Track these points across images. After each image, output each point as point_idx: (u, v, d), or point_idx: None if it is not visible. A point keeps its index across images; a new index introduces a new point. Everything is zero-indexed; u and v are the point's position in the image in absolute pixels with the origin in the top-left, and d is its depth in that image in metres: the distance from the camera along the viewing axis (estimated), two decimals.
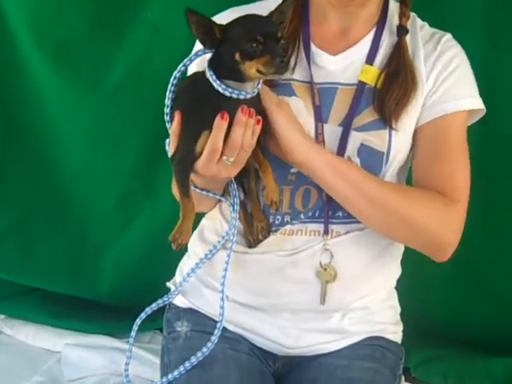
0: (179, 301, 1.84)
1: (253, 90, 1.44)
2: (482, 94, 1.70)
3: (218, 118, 1.39)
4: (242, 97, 1.42)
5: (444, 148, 1.65)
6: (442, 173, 1.64)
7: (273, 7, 1.58)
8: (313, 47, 1.70)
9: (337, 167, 1.55)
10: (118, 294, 2.60)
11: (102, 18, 2.38)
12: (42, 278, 2.64)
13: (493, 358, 2.27)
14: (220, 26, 1.40)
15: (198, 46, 1.76)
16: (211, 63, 1.44)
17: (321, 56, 1.69)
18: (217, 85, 1.41)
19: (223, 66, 1.41)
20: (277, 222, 1.67)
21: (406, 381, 2.17)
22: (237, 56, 1.37)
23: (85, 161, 2.55)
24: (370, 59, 1.68)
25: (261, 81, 1.46)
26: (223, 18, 1.65)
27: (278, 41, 1.38)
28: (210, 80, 1.42)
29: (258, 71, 1.36)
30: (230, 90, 1.41)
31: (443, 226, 1.62)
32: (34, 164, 2.58)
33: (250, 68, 1.36)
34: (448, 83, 1.65)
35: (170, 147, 1.49)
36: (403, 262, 1.84)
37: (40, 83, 2.48)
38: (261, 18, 1.44)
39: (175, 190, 1.75)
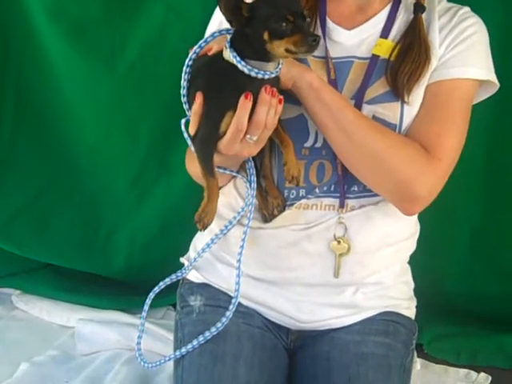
0: (193, 276, 1.85)
1: (276, 70, 1.43)
2: (498, 70, 1.69)
3: (242, 98, 1.39)
4: (266, 77, 1.41)
5: (440, 109, 1.63)
6: (432, 131, 1.61)
7: None
8: (329, 23, 1.70)
9: (319, 90, 1.54)
10: (131, 271, 2.62)
11: None
12: (57, 254, 2.66)
13: (505, 334, 2.27)
14: (248, 4, 1.39)
15: (213, 23, 1.77)
16: (232, 43, 1.42)
17: (337, 31, 1.69)
18: (241, 66, 1.39)
19: (248, 46, 1.40)
20: (292, 197, 1.67)
21: (418, 357, 2.18)
22: (265, 35, 1.36)
23: (100, 138, 2.56)
24: (384, 33, 1.67)
25: (282, 60, 1.45)
26: None
27: (305, 19, 1.37)
28: (234, 61, 1.40)
29: (287, 50, 1.35)
30: (255, 70, 1.40)
31: (415, 175, 1.57)
32: (49, 141, 2.60)
33: (279, 47, 1.35)
34: (458, 49, 1.64)
35: (191, 128, 1.49)
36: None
37: (55, 61, 2.49)
38: None
39: (190, 168, 1.77)
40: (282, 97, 1.44)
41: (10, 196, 2.63)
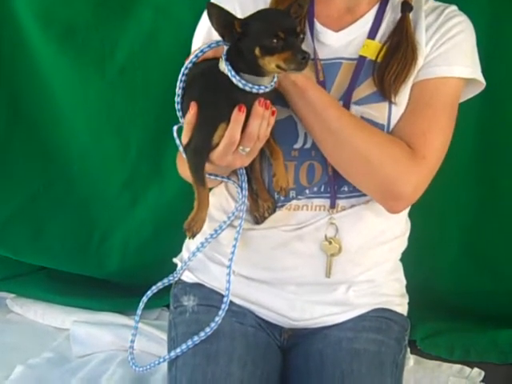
0: (186, 276, 1.86)
1: (270, 84, 1.45)
2: (485, 69, 1.70)
3: (235, 110, 1.41)
4: (261, 91, 1.43)
5: (426, 107, 1.63)
6: (416, 128, 1.62)
7: None
8: (317, 25, 1.70)
9: (303, 89, 1.56)
10: (125, 273, 2.62)
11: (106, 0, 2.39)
12: (51, 257, 2.65)
13: (498, 330, 2.27)
14: (240, 20, 1.41)
15: (201, 28, 1.78)
16: (228, 56, 1.44)
17: (325, 33, 1.70)
18: (236, 80, 1.41)
19: (242, 60, 1.41)
20: (282, 198, 1.68)
21: (411, 353, 2.19)
22: (257, 51, 1.37)
23: (91, 142, 2.55)
24: (371, 34, 1.68)
25: (276, 74, 1.47)
26: None
27: (298, 36, 1.39)
28: (229, 75, 1.42)
29: (278, 66, 1.37)
30: (249, 85, 1.41)
31: (399, 173, 1.58)
32: (41, 146, 2.59)
33: (270, 63, 1.37)
34: (443, 48, 1.65)
35: (183, 137, 1.51)
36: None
37: (45, 65, 2.48)
38: (281, 13, 1.46)
39: (181, 171, 1.78)
40: (274, 109, 1.46)
41: (3, 201, 2.62)
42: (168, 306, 1.96)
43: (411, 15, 1.68)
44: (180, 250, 1.96)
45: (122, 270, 2.63)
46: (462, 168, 2.28)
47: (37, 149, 2.60)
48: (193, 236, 1.54)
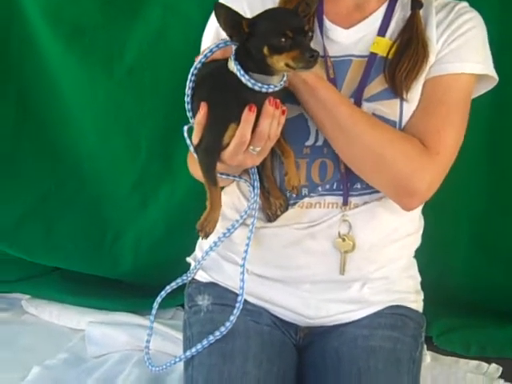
0: (200, 275, 1.86)
1: (280, 83, 1.45)
2: (497, 65, 1.69)
3: (246, 110, 1.41)
4: (270, 90, 1.43)
5: (438, 105, 1.63)
6: (429, 126, 1.61)
7: None
8: (326, 22, 1.70)
9: (314, 87, 1.55)
10: (138, 273, 2.63)
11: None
12: (64, 258, 2.67)
13: None
14: (248, 19, 1.41)
15: (210, 28, 1.78)
16: (237, 56, 1.44)
17: (334, 30, 1.69)
18: (245, 80, 1.41)
19: (250, 60, 1.41)
20: (294, 196, 1.67)
21: (428, 350, 2.19)
22: (265, 50, 1.37)
23: (100, 142, 2.56)
24: (381, 31, 1.68)
25: (286, 73, 1.46)
26: None
27: (306, 34, 1.38)
28: (238, 74, 1.42)
29: (287, 65, 1.37)
30: (259, 84, 1.41)
31: (413, 170, 1.57)
32: (50, 146, 2.60)
33: (279, 62, 1.37)
34: (455, 44, 1.64)
35: (194, 137, 1.51)
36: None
37: (53, 64, 2.49)
38: (288, 12, 1.46)
39: (192, 170, 1.78)
40: (284, 108, 1.46)
41: (14, 202, 2.64)
42: (182, 306, 1.95)
43: (421, 12, 1.67)
44: (193, 249, 1.96)
45: (135, 270, 2.64)
46: (473, 163, 2.26)
47: (46, 148, 2.61)
48: (206, 236, 1.54)
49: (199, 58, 1.51)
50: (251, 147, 1.46)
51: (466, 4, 1.71)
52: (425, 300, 1.88)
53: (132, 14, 2.38)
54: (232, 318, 1.66)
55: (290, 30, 1.35)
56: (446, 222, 2.36)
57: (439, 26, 1.66)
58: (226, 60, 1.47)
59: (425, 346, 1.85)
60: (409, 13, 1.67)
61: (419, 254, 1.86)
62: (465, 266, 2.45)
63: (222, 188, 1.80)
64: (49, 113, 2.58)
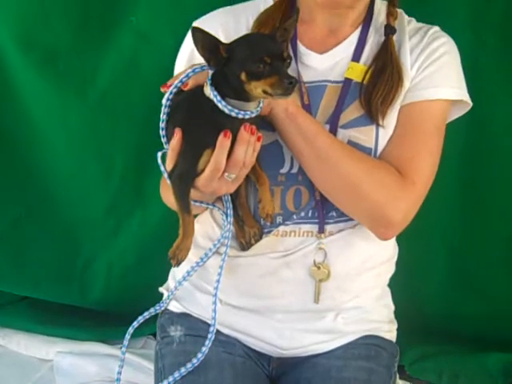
0: (172, 305, 1.84)
1: (256, 109, 1.44)
2: (470, 90, 1.70)
3: (221, 136, 1.39)
4: (247, 117, 1.42)
5: (414, 131, 1.64)
6: (405, 153, 1.62)
7: (262, 8, 1.58)
8: (301, 47, 1.70)
9: (294, 116, 1.54)
10: (110, 301, 2.59)
11: (87, 25, 2.37)
12: (33, 286, 2.63)
13: (487, 354, 2.28)
14: (225, 44, 1.40)
15: (184, 51, 1.77)
16: (213, 81, 1.43)
17: (309, 55, 1.69)
18: (222, 106, 1.40)
19: (227, 85, 1.40)
20: (269, 224, 1.66)
21: (400, 379, 2.17)
22: (243, 76, 1.36)
23: (73, 167, 2.54)
24: (356, 57, 1.68)
25: (262, 100, 1.46)
26: (213, 18, 1.64)
27: (285, 60, 1.38)
28: (214, 100, 1.41)
29: (265, 92, 1.36)
30: (235, 110, 1.40)
31: (389, 200, 1.57)
32: (23, 171, 2.57)
33: (256, 88, 1.36)
34: (429, 70, 1.65)
35: (168, 163, 1.49)
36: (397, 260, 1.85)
37: (26, 90, 2.46)
38: (266, 38, 1.45)
39: (165, 197, 1.76)
40: (260, 134, 1.45)
41: None
42: (154, 335, 1.93)
43: (395, 37, 1.69)
44: (165, 277, 1.94)
45: (106, 298, 2.60)
46: (447, 189, 2.28)
47: (18, 174, 2.58)
48: (178, 264, 1.51)
49: (175, 83, 1.49)
50: (226, 174, 1.45)
51: (438, 28, 1.72)
52: (398, 328, 1.88)
53: (105, 39, 2.37)
54: (204, 349, 1.63)
55: (268, 56, 1.34)
56: (421, 249, 2.37)
57: (413, 52, 1.67)
58: (201, 87, 1.45)
59: (397, 376, 1.84)
60: (383, 38, 1.68)
61: (393, 282, 1.86)
62: (438, 294, 2.45)
63: (196, 216, 1.78)
64: (21, 138, 2.54)
